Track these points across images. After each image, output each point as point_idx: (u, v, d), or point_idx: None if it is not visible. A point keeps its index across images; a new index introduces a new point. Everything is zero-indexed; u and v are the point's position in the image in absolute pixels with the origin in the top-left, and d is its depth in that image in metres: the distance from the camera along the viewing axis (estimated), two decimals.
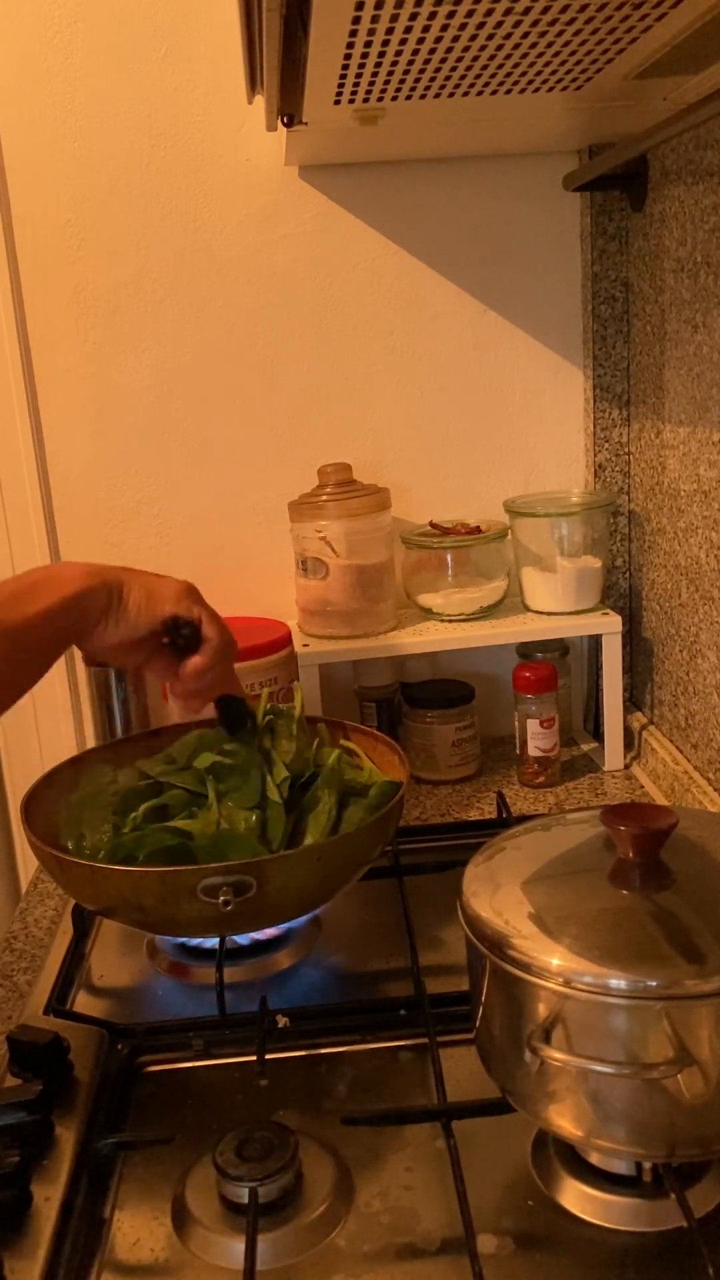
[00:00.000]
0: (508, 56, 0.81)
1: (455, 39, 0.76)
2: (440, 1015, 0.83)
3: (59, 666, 1.38)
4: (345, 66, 0.81)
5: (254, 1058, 0.80)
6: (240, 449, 1.36)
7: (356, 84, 0.86)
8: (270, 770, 0.93)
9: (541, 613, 1.32)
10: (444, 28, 0.73)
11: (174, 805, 0.94)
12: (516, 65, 0.84)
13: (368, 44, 0.75)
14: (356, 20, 0.70)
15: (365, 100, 0.92)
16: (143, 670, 0.88)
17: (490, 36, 0.76)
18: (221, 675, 0.88)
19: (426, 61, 0.81)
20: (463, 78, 0.87)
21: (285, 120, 1.01)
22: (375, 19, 0.70)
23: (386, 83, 0.87)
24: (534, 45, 0.79)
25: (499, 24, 0.73)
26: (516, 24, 0.73)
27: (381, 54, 0.78)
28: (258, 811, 0.91)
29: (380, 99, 0.92)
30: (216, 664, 0.86)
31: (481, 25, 0.73)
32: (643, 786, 1.29)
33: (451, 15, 0.71)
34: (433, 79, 0.86)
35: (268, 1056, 0.80)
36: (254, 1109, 0.78)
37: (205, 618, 0.85)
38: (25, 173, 1.26)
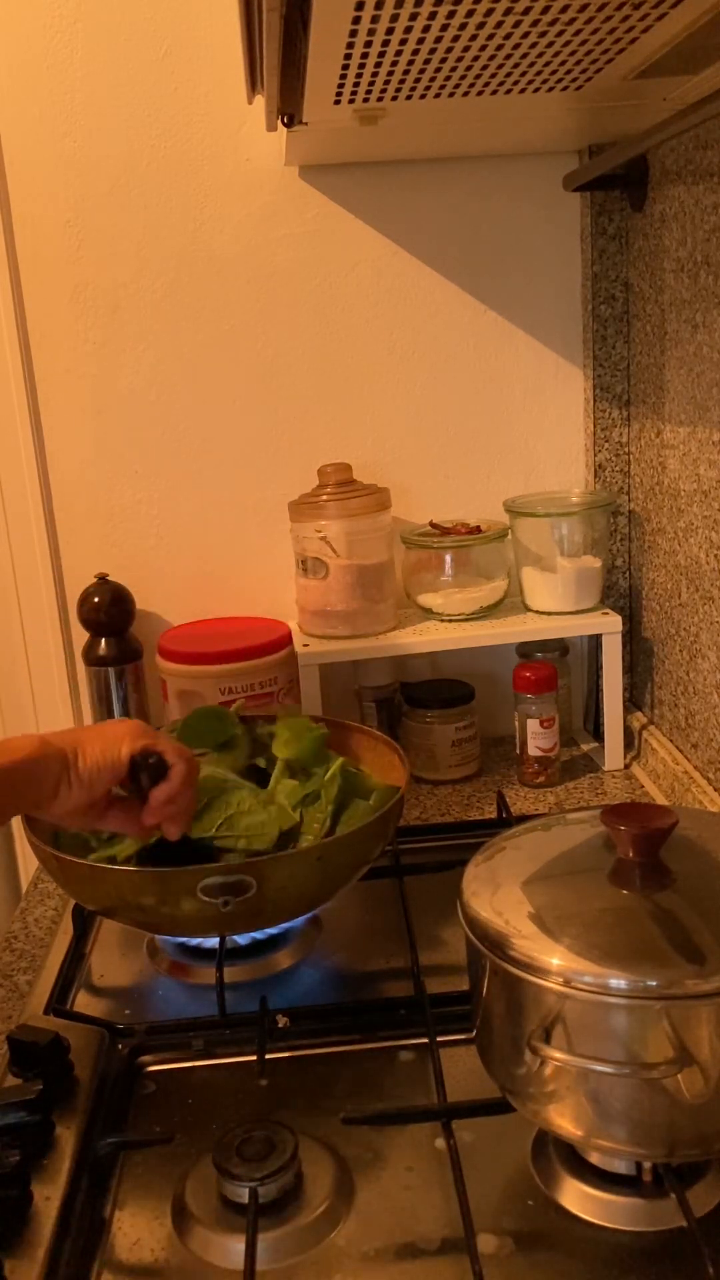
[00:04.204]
0: (508, 56, 0.81)
1: (455, 39, 0.76)
2: (440, 1015, 0.83)
3: (59, 667, 1.38)
4: (345, 66, 0.81)
5: (254, 1058, 0.80)
6: (240, 449, 1.36)
7: (356, 84, 0.86)
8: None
9: (541, 613, 1.32)
10: (444, 28, 0.73)
11: None
12: (516, 65, 0.84)
13: (368, 44, 0.75)
14: (356, 20, 0.70)
15: (365, 100, 0.92)
16: (99, 826, 0.85)
17: (490, 36, 0.76)
18: (192, 795, 0.86)
19: (426, 61, 0.81)
20: (463, 78, 0.87)
21: (285, 120, 1.01)
22: (375, 19, 0.70)
23: (386, 83, 0.87)
24: (534, 45, 0.79)
25: (499, 24, 0.73)
26: (516, 24, 0.73)
27: (381, 54, 0.78)
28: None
29: (380, 99, 0.92)
30: (187, 783, 0.84)
31: (481, 25, 0.73)
32: (643, 786, 1.29)
33: (451, 15, 0.71)
34: (433, 79, 0.86)
35: (268, 1056, 0.80)
36: (254, 1109, 0.78)
37: (164, 744, 0.83)
38: (25, 173, 1.26)
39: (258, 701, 1.24)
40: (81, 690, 1.39)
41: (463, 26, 0.73)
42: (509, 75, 0.87)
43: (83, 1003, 0.93)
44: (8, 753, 0.74)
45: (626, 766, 1.34)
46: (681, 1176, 0.66)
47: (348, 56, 0.78)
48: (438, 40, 0.76)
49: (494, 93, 0.92)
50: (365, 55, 0.78)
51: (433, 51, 0.78)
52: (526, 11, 0.71)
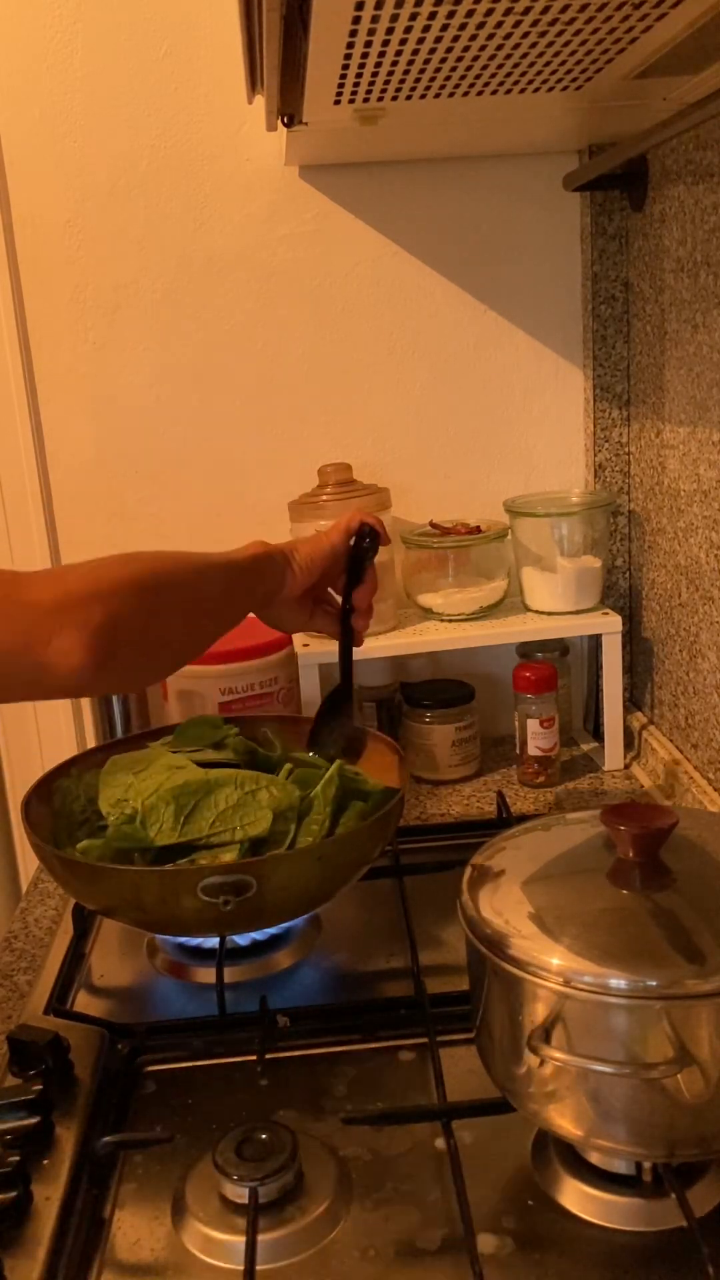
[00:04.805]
0: (508, 56, 0.81)
1: (455, 39, 0.76)
2: (440, 1015, 0.83)
3: None
4: (345, 66, 0.81)
5: (254, 1058, 0.80)
6: (240, 449, 1.36)
7: (356, 84, 0.86)
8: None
9: (541, 613, 1.32)
10: (444, 28, 0.73)
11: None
12: (516, 65, 0.84)
13: (368, 44, 0.75)
14: (356, 20, 0.70)
15: (365, 100, 0.92)
16: (309, 628, 0.99)
17: (490, 36, 0.76)
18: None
19: (426, 61, 0.81)
20: (463, 78, 0.87)
21: (285, 120, 1.01)
22: (375, 19, 0.70)
23: (386, 83, 0.87)
24: (534, 45, 0.79)
25: (499, 24, 0.73)
26: (516, 24, 0.73)
27: (381, 54, 0.78)
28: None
29: (380, 99, 0.92)
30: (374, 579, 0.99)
31: (481, 25, 0.73)
32: (643, 786, 1.29)
33: (451, 15, 0.71)
34: (433, 79, 0.86)
35: (268, 1056, 0.80)
36: (254, 1109, 0.78)
37: (371, 519, 0.97)
38: (25, 173, 1.26)
39: (258, 702, 1.24)
40: None
41: (463, 26, 0.73)
42: (509, 75, 0.87)
43: (83, 1003, 0.93)
44: (241, 552, 0.89)
45: (626, 766, 1.34)
46: (681, 1176, 0.66)
47: (348, 56, 0.78)
48: (438, 40, 0.76)
49: (494, 93, 0.92)
50: (365, 55, 0.78)
51: (433, 51, 0.78)
52: (526, 11, 0.71)
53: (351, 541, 0.96)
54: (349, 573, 0.97)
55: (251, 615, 0.93)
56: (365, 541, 0.96)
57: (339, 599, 0.99)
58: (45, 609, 0.70)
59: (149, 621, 0.75)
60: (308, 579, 0.93)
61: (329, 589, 0.99)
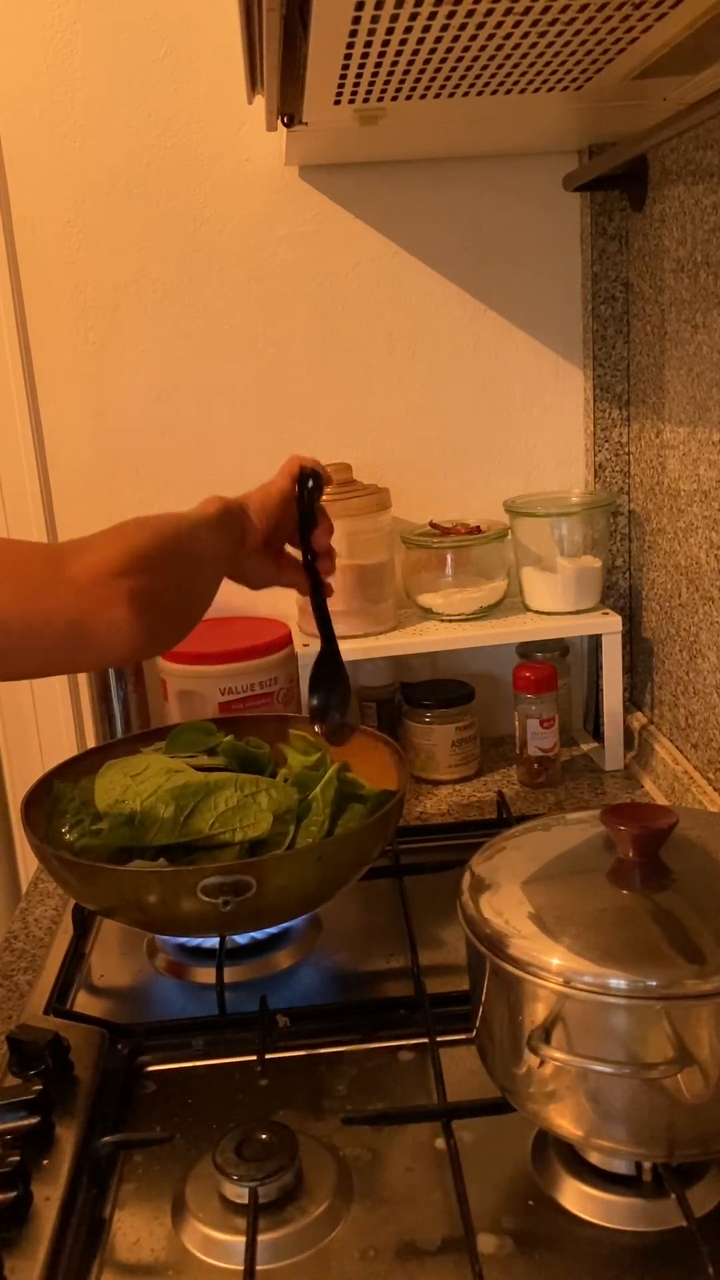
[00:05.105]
0: (508, 57, 0.81)
1: (455, 39, 0.76)
2: (440, 1015, 0.83)
3: None
4: (345, 66, 0.81)
5: (254, 1057, 0.80)
6: (240, 449, 1.36)
7: (356, 84, 0.86)
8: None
9: (541, 613, 1.32)
10: (444, 28, 0.73)
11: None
12: (516, 65, 0.84)
13: (368, 44, 0.75)
14: (356, 20, 0.70)
15: (365, 100, 0.92)
16: (277, 582, 0.98)
17: (490, 37, 0.76)
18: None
19: (426, 61, 0.81)
20: (463, 78, 0.87)
21: (285, 120, 1.01)
22: (375, 19, 0.70)
23: (386, 83, 0.87)
24: (534, 45, 0.79)
25: (499, 24, 0.73)
26: (516, 24, 0.73)
27: (381, 54, 0.78)
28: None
29: (380, 99, 0.92)
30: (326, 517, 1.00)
31: (481, 25, 0.73)
32: (643, 786, 1.29)
33: (451, 15, 0.71)
34: (433, 79, 0.86)
35: (268, 1056, 0.80)
36: (254, 1109, 0.78)
37: (309, 461, 0.98)
38: (25, 173, 1.26)
39: (258, 702, 1.24)
40: (81, 690, 1.39)
41: (463, 26, 0.73)
42: (509, 75, 0.87)
43: (83, 1003, 0.93)
44: (207, 508, 0.89)
45: (626, 766, 1.34)
46: (681, 1176, 0.66)
47: (348, 56, 0.78)
48: (438, 40, 0.76)
49: (494, 93, 0.92)
50: (365, 55, 0.78)
51: (433, 51, 0.78)
52: (526, 11, 0.71)
53: (296, 487, 0.97)
54: (301, 519, 0.97)
55: (251, 618, 0.94)
56: (309, 484, 0.97)
57: (299, 554, 0.99)
58: (90, 586, 0.72)
59: (177, 585, 0.79)
60: (265, 525, 0.94)
61: (287, 545, 0.99)
